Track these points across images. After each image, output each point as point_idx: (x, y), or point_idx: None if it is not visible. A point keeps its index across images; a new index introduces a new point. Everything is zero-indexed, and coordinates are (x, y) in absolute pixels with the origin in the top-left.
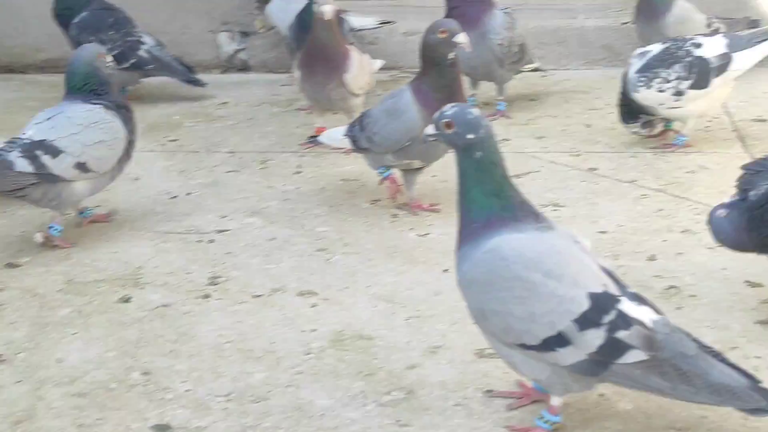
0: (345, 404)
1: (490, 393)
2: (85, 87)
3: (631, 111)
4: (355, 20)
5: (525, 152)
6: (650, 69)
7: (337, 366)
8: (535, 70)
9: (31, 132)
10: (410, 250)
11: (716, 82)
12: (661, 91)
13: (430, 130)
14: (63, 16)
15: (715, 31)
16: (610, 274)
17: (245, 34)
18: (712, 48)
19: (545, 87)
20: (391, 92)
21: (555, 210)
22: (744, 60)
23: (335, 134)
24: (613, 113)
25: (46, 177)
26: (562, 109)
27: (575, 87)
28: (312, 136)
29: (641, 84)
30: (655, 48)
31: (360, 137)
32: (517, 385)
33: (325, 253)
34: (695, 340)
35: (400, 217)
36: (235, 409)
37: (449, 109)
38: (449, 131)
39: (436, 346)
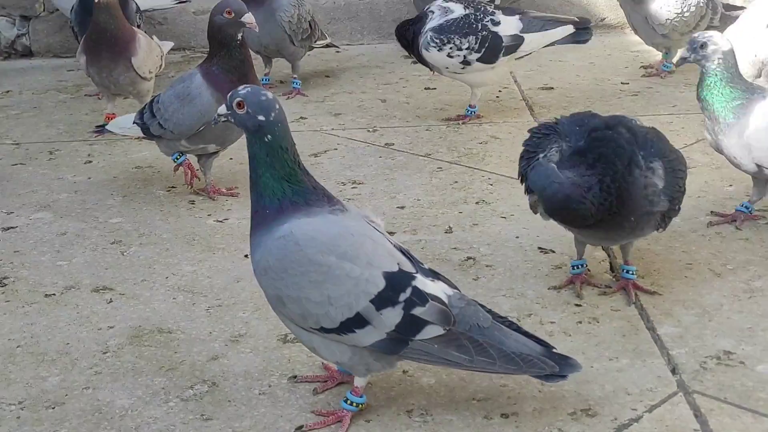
0: (146, 402)
1: (294, 379)
2: None
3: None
4: (147, 0)
5: (322, 130)
6: (445, 33)
7: (137, 363)
8: (328, 45)
9: None
10: (209, 237)
11: (503, 60)
12: (450, 56)
13: (222, 110)
14: None
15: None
16: (404, 252)
17: (26, 18)
18: (507, 27)
19: (340, 63)
20: (181, 76)
21: (354, 187)
22: (533, 43)
23: (124, 122)
24: (408, 87)
25: None
26: (357, 84)
27: (369, 62)
28: (100, 125)
29: (434, 45)
30: (457, 11)
31: (151, 123)
32: (322, 368)
33: (120, 245)
34: (490, 312)
35: (197, 203)
36: (29, 417)
37: (242, 89)
38: (240, 111)
39: (238, 334)
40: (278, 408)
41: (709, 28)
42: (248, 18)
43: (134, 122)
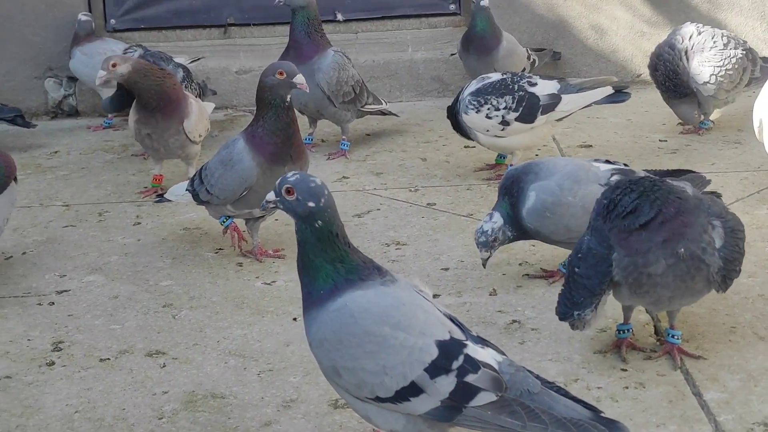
0: None
1: None
2: None
3: (459, 128)
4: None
5: (364, 190)
6: (483, 94)
7: (192, 429)
8: (383, 113)
9: None
10: (258, 299)
11: (541, 119)
12: (488, 117)
13: (271, 196)
14: None
15: (533, 63)
16: (453, 320)
17: (73, 79)
18: (544, 88)
19: (380, 121)
20: (227, 142)
21: (398, 248)
22: (571, 103)
23: (178, 190)
24: (447, 145)
25: None
26: (398, 143)
27: (408, 119)
28: (160, 195)
29: (472, 107)
30: (494, 77)
31: (200, 190)
32: None
33: (171, 308)
34: (538, 377)
35: (245, 265)
36: None
37: (291, 176)
38: (290, 198)
39: (290, 399)
40: None
41: (751, 80)
42: (299, 79)
43: (186, 189)
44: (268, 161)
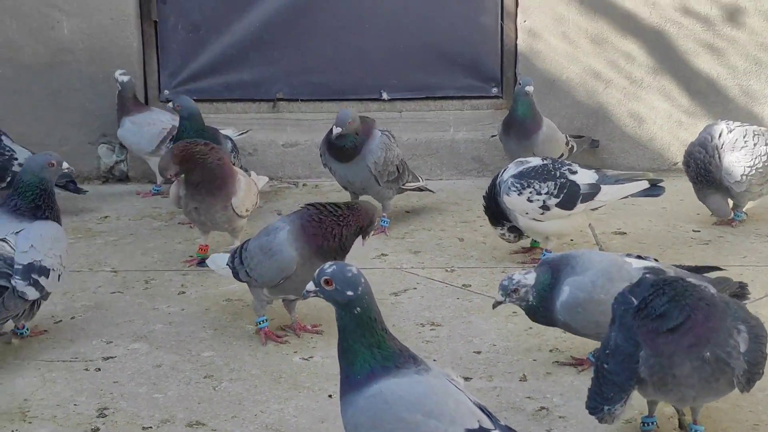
0: None
1: None
2: (33, 200)
3: (495, 214)
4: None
5: (402, 268)
6: (525, 178)
7: None
8: (420, 189)
9: (10, 249)
10: (295, 374)
11: (580, 207)
12: (530, 200)
13: (311, 287)
14: None
15: (572, 150)
16: (482, 409)
17: (124, 146)
18: (584, 176)
19: (420, 198)
20: (267, 227)
21: (432, 329)
22: (609, 194)
23: (220, 260)
24: (484, 226)
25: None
26: (437, 221)
27: (448, 198)
28: (201, 260)
29: (514, 189)
30: (533, 161)
31: (240, 270)
32: None
33: (211, 380)
34: None
35: (283, 339)
36: None
37: (329, 266)
38: (329, 288)
39: None
40: None
41: None
42: None
43: (227, 264)
44: (314, 253)
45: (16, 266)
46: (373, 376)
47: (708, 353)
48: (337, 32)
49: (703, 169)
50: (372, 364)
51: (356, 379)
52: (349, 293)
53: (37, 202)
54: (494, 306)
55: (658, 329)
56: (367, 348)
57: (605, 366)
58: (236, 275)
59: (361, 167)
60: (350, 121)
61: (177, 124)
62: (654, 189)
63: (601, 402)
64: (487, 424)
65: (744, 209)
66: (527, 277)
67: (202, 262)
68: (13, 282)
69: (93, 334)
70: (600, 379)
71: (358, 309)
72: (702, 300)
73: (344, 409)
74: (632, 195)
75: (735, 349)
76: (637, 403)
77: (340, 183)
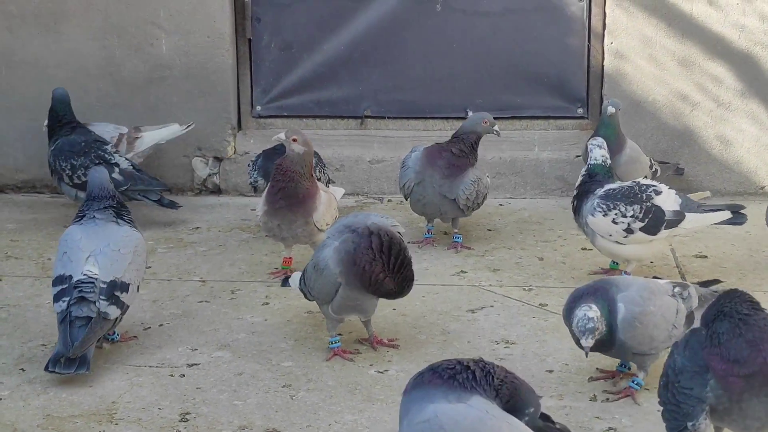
0: None
1: None
2: (108, 206)
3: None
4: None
5: (480, 286)
6: (612, 200)
7: None
8: None
9: (96, 271)
10: (370, 387)
11: (663, 233)
12: (615, 222)
13: None
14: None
15: (655, 173)
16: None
17: (218, 159)
18: (669, 201)
19: (502, 217)
20: (320, 244)
21: (506, 347)
22: (693, 222)
23: (296, 280)
24: (565, 246)
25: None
26: (517, 240)
27: (529, 217)
28: (286, 279)
29: (599, 210)
30: (619, 184)
31: (305, 291)
32: None
33: (290, 389)
34: None
35: (361, 351)
36: None
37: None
38: None
39: None
40: None
41: None
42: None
43: (299, 287)
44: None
45: (99, 285)
46: (432, 389)
47: None
48: (426, 52)
49: None
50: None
51: (420, 388)
52: None
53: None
54: (587, 353)
55: (732, 371)
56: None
57: (677, 384)
58: (305, 295)
59: (449, 203)
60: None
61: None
62: (736, 217)
63: (682, 419)
64: None
65: None
66: (594, 309)
67: (286, 280)
68: (98, 305)
69: (179, 341)
70: (677, 397)
71: None
72: None
73: (400, 428)
74: (716, 224)
75: None
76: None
77: (421, 209)
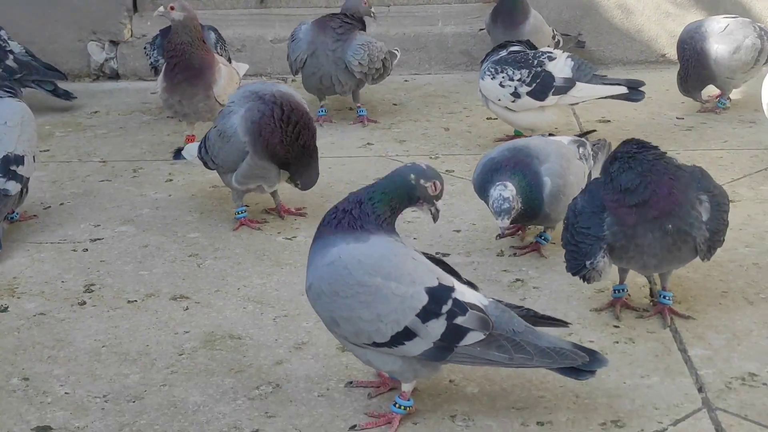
0: (216, 400)
1: (350, 384)
2: None
3: None
4: None
5: (387, 156)
6: (501, 64)
7: (209, 365)
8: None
9: None
10: (278, 253)
11: (552, 99)
12: (502, 86)
13: None
14: None
15: (558, 44)
16: (443, 265)
17: (114, 43)
18: (561, 68)
19: (407, 92)
20: (222, 110)
21: (413, 211)
22: (585, 91)
23: (193, 150)
24: (470, 116)
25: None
26: (423, 113)
27: (435, 91)
28: (177, 151)
29: (488, 74)
30: (516, 47)
31: (207, 159)
32: (376, 375)
33: (196, 258)
34: (529, 310)
35: (268, 221)
36: (112, 409)
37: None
38: None
39: (301, 342)
40: (335, 409)
41: None
42: None
43: (197, 155)
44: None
45: None
46: (333, 236)
47: (670, 225)
48: None
49: (693, 59)
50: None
51: (320, 235)
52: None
53: None
54: (501, 235)
55: (623, 202)
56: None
57: (576, 224)
58: (206, 164)
59: (343, 72)
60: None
61: None
62: (634, 94)
63: (581, 258)
64: (447, 280)
65: (728, 96)
66: (509, 188)
67: (178, 153)
68: None
69: (81, 218)
70: (575, 237)
71: None
72: (666, 174)
73: (307, 276)
74: (610, 97)
75: (697, 220)
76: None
77: (316, 86)
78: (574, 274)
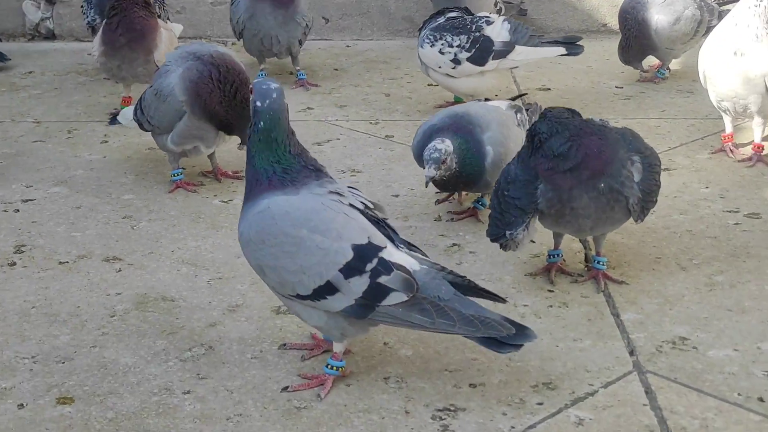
0: (148, 361)
1: (284, 346)
2: None
3: None
4: None
5: (327, 121)
6: (440, 31)
7: (141, 326)
8: None
9: None
10: (214, 215)
11: (492, 64)
12: (441, 53)
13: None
14: None
15: (500, 11)
16: (385, 227)
17: (50, 3)
18: (498, 32)
19: (348, 57)
20: (160, 69)
21: (353, 175)
22: (524, 54)
23: (129, 113)
24: (412, 82)
25: None
26: (364, 78)
27: (376, 57)
28: (114, 115)
29: (427, 42)
30: (454, 13)
31: (142, 120)
32: (310, 337)
33: (130, 220)
34: (462, 277)
35: (205, 184)
36: (40, 370)
37: (258, 76)
38: (251, 96)
39: (235, 305)
40: (268, 371)
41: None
42: None
43: (132, 117)
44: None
45: None
46: (269, 187)
47: (603, 185)
48: None
49: (635, 29)
50: (270, 176)
51: (254, 184)
52: (258, 104)
53: None
54: (428, 184)
55: (556, 168)
56: (267, 162)
57: (506, 193)
58: (141, 126)
59: (294, 28)
60: None
61: None
62: (572, 48)
63: (502, 227)
64: (379, 240)
65: (667, 67)
66: (446, 143)
67: (114, 119)
68: None
69: (12, 179)
70: (502, 206)
71: (262, 123)
72: (595, 135)
73: (239, 223)
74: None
75: (629, 179)
76: (545, 238)
77: (257, 48)
78: (492, 241)
